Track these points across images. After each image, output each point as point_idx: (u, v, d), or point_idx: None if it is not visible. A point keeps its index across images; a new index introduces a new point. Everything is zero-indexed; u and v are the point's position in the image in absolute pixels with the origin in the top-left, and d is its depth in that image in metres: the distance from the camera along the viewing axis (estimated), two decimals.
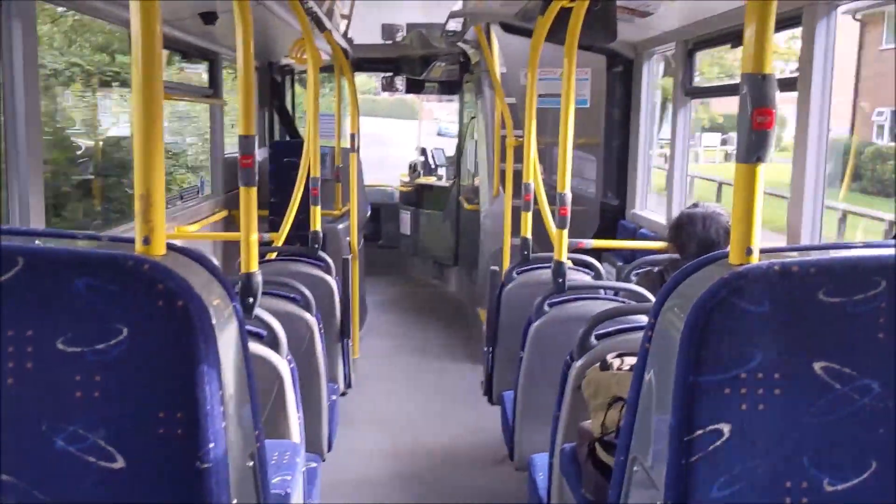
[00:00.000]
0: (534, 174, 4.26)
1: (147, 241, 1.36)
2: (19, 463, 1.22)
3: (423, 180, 9.38)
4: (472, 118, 7.89)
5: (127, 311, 1.22)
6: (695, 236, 3.04)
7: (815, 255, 1.36)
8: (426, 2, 8.59)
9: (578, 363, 2.56)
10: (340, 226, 5.81)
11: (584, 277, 3.88)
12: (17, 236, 1.39)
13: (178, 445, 1.24)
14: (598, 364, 2.27)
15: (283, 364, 2.65)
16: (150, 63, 1.37)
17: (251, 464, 1.48)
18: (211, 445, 1.25)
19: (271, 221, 6.28)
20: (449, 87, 9.31)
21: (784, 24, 3.51)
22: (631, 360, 2.16)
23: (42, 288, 1.22)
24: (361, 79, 16.46)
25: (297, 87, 8.74)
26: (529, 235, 4.14)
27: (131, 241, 1.38)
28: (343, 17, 7.34)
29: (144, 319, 1.23)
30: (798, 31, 3.48)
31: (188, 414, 1.24)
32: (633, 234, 5.48)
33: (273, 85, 7.81)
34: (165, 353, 1.24)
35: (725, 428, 1.28)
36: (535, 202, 4.31)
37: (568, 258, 3.40)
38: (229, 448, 1.29)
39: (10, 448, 1.22)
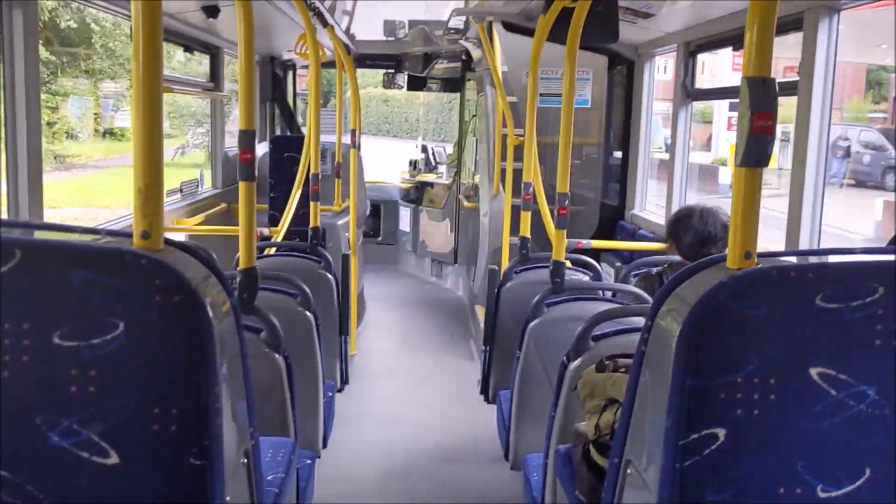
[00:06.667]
0: (534, 173, 4.25)
1: (145, 235, 1.36)
2: (13, 457, 1.21)
3: (423, 177, 9.38)
4: (473, 116, 7.88)
5: (124, 306, 1.22)
6: (692, 229, 3.03)
7: (813, 260, 1.36)
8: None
9: (575, 364, 2.55)
10: (340, 222, 5.80)
11: (582, 278, 3.88)
12: (15, 228, 1.38)
13: (173, 441, 1.23)
14: (593, 365, 2.27)
15: (279, 361, 2.64)
16: (150, 56, 1.36)
17: (245, 461, 1.47)
18: (206, 442, 1.24)
19: (271, 216, 6.28)
20: (450, 85, 9.32)
21: (785, 27, 3.50)
22: (627, 363, 2.16)
23: (39, 281, 1.22)
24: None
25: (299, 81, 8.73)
26: (528, 235, 4.14)
27: (130, 235, 1.37)
28: (345, 12, 7.33)
29: (141, 314, 1.22)
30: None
31: (183, 410, 1.23)
32: (633, 236, 5.48)
33: (274, 79, 7.80)
34: (162, 348, 1.23)
35: (720, 432, 1.28)
36: (535, 202, 4.30)
37: (567, 258, 3.40)
38: (224, 445, 1.29)
39: (5, 442, 1.21)
